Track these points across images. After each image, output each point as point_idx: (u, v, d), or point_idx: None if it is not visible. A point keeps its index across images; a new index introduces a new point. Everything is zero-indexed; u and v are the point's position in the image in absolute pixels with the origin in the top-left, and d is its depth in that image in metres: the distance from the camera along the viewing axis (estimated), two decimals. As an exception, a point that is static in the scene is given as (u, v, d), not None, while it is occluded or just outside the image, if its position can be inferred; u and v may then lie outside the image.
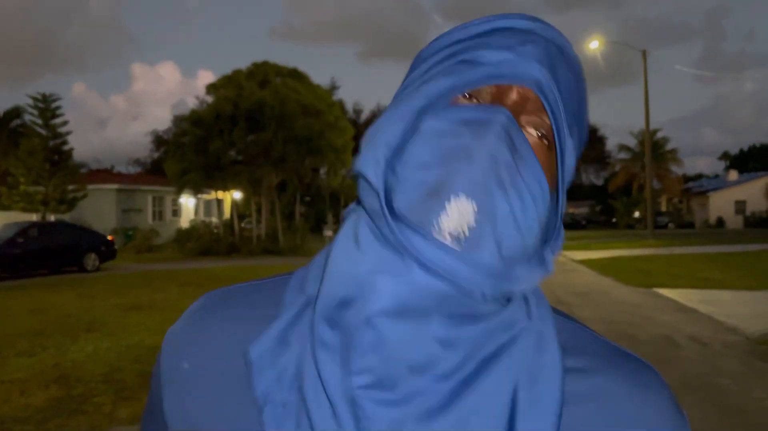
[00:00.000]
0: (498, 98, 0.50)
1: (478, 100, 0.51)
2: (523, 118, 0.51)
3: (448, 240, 0.44)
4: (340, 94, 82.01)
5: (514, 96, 0.50)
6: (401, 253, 0.44)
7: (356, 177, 0.49)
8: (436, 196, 0.44)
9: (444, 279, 0.44)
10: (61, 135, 25.76)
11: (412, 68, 0.57)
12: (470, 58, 0.51)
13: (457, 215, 0.44)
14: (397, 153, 0.47)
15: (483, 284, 0.44)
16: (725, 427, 4.52)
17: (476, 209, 0.44)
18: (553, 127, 0.50)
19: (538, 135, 0.51)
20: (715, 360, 6.48)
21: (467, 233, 0.44)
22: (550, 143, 0.51)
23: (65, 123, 26.11)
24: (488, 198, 0.45)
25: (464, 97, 0.51)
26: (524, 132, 0.50)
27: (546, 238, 0.50)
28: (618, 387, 0.52)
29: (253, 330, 0.53)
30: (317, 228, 35.58)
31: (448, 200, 0.44)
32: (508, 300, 0.49)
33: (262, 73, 25.51)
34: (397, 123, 0.49)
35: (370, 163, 0.47)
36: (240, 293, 0.59)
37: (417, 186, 0.45)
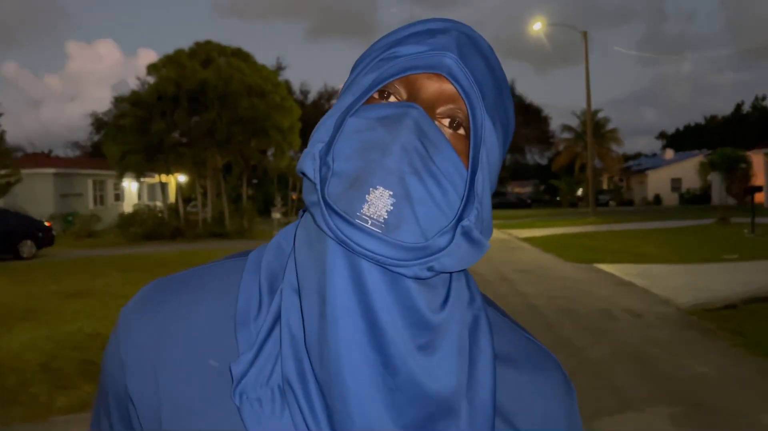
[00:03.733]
0: (414, 93, 0.54)
1: (395, 97, 0.55)
2: (440, 110, 0.54)
3: (369, 225, 0.48)
4: (287, 75, 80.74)
5: (430, 90, 0.54)
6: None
7: (302, 176, 0.54)
8: (357, 186, 0.49)
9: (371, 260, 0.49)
10: (-9, 117, 24.54)
11: (352, 71, 0.61)
12: (389, 55, 0.56)
13: (376, 202, 0.48)
14: (329, 148, 0.52)
15: (407, 260, 0.49)
16: (656, 394, 4.74)
17: (393, 195, 0.48)
18: (468, 110, 0.53)
19: (453, 124, 0.55)
20: (648, 330, 6.78)
21: (386, 217, 0.48)
22: (467, 131, 0.55)
23: (-5, 104, 24.86)
24: (402, 184, 0.49)
25: (382, 95, 0.55)
26: (438, 123, 0.54)
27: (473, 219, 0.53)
28: (525, 376, 0.63)
29: (214, 315, 0.58)
30: (265, 210, 35.12)
31: (368, 189, 0.49)
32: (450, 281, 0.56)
33: (205, 53, 24.85)
34: (330, 121, 0.54)
35: (308, 159, 0.52)
36: (194, 278, 0.62)
37: (341, 177, 0.50)
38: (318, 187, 0.50)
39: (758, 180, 33.08)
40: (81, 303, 9.18)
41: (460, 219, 0.51)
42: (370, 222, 0.48)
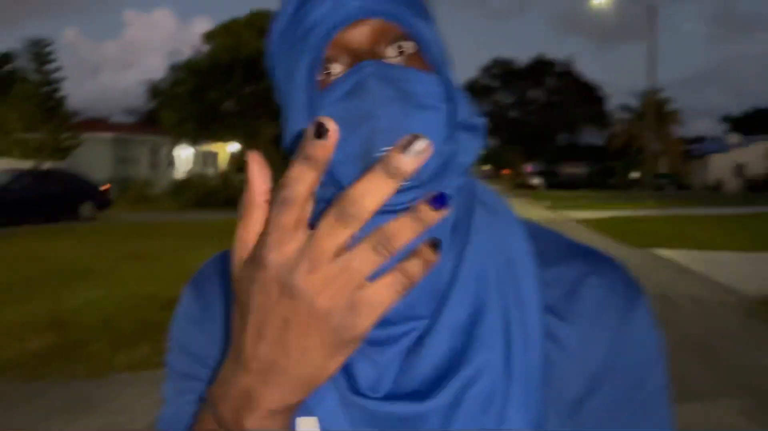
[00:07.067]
0: (350, 49, 0.53)
1: (338, 63, 0.54)
2: (382, 46, 0.54)
3: None
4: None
5: (361, 38, 0.53)
6: None
7: None
8: (369, 158, 0.50)
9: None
10: (54, 81, 25.33)
11: (272, 61, 0.60)
12: (302, 33, 0.54)
13: None
14: None
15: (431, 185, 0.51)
16: (720, 386, 4.53)
17: None
18: (401, 26, 0.53)
19: (400, 50, 0.54)
20: (712, 320, 6.49)
21: None
22: (414, 42, 0.55)
23: (58, 69, 25.65)
24: (406, 132, 0.49)
25: (326, 68, 0.54)
26: (389, 59, 0.54)
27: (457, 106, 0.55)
28: (574, 274, 0.60)
29: None
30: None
31: (376, 157, 0.49)
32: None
33: (261, 22, 24.93)
34: (304, 124, 0.54)
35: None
36: None
37: (350, 160, 0.51)
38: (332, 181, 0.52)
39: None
40: (138, 265, 9.41)
41: (455, 120, 0.54)
42: None
